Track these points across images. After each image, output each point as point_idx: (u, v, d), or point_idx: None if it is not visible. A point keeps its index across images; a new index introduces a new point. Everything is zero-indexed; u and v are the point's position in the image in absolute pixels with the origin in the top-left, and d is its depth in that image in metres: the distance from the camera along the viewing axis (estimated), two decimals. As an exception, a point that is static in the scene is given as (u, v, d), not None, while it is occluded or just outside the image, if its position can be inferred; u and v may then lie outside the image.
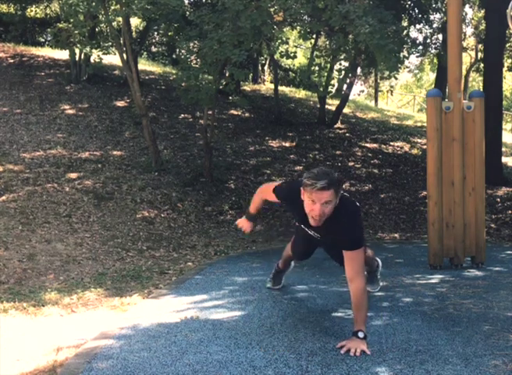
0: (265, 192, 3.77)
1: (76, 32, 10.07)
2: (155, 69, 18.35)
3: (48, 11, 19.37)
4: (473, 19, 19.95)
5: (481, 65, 17.84)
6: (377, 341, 3.23)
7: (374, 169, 12.58)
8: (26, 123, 11.45)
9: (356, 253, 3.22)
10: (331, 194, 3.08)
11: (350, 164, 12.68)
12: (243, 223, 4.06)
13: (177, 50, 19.81)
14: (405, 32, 12.37)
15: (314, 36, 14.43)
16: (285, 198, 3.56)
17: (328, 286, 4.68)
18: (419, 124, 18.00)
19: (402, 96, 33.71)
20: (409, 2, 12.72)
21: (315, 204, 3.10)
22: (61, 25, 10.55)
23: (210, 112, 10.09)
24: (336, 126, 15.25)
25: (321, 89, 11.03)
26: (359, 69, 16.90)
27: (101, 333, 3.51)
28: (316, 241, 3.61)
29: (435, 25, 15.48)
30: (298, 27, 11.66)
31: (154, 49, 22.15)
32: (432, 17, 14.63)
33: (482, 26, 17.58)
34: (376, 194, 11.13)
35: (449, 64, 5.67)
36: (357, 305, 3.17)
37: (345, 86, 15.15)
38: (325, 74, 11.28)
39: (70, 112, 12.51)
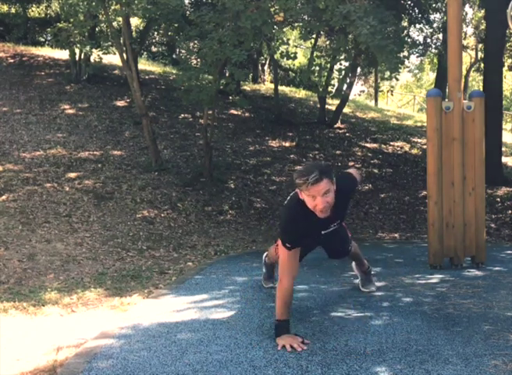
0: (286, 270, 3.28)
1: (76, 32, 10.10)
2: (155, 69, 18.35)
3: (48, 11, 19.37)
4: (473, 19, 19.94)
5: (481, 65, 17.84)
6: (377, 341, 3.22)
7: (374, 169, 12.58)
8: (26, 123, 11.45)
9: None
10: (326, 183, 3.08)
11: (350, 164, 12.67)
12: (289, 341, 3.09)
13: (177, 50, 19.83)
14: (405, 32, 12.37)
15: (314, 36, 14.44)
16: (297, 226, 3.27)
17: (328, 286, 4.68)
18: (419, 124, 18.00)
19: (402, 96, 33.74)
20: (409, 2, 12.72)
21: (316, 198, 3.10)
22: (61, 25, 10.56)
23: (210, 112, 10.09)
24: (335, 126, 15.26)
25: (321, 89, 11.04)
26: (359, 69, 16.90)
27: (101, 333, 3.51)
28: (316, 241, 3.63)
29: (435, 25, 15.49)
30: (298, 27, 11.66)
31: (154, 49, 22.16)
32: (431, 17, 14.63)
33: (482, 26, 17.58)
34: (376, 194, 11.13)
35: (449, 64, 5.66)
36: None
37: (345, 86, 15.16)
38: (325, 74, 11.29)
39: (70, 111, 12.52)
